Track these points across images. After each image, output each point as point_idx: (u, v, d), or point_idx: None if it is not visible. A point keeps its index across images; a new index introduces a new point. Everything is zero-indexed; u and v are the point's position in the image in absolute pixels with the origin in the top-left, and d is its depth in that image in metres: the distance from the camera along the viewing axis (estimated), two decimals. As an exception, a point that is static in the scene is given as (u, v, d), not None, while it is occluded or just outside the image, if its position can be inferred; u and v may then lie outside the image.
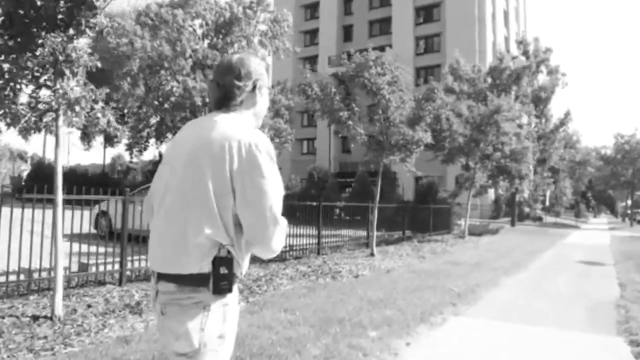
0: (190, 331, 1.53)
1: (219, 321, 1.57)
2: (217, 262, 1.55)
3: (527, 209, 39.07)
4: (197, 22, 32.91)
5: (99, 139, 37.81)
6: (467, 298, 6.86)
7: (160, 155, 38.53)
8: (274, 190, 1.58)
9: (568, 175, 53.14)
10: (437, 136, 17.66)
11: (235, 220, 1.58)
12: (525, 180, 27.31)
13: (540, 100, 29.10)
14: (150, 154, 37.64)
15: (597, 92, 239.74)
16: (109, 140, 37.54)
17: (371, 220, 12.18)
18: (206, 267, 1.55)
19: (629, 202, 56.84)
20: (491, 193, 39.43)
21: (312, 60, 49.53)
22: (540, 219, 39.43)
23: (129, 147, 37.63)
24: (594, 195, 78.92)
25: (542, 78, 30.29)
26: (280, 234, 1.61)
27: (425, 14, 44.40)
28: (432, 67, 41.30)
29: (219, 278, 1.55)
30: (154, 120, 34.44)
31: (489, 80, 25.63)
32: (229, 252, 1.57)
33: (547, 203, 39.82)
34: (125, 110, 31.26)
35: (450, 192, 19.41)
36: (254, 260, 6.01)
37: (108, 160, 45.05)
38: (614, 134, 41.55)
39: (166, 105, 29.31)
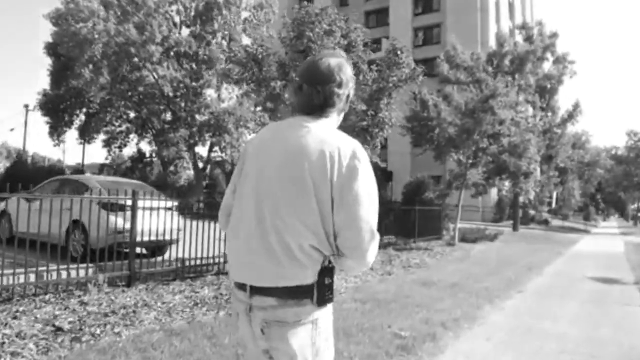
0: (304, 347, 1.50)
1: (326, 330, 1.56)
2: (322, 272, 1.51)
3: (532, 212, 36.31)
4: (175, 7, 30.64)
5: (73, 134, 35.65)
6: (416, 353, 4.35)
7: (140, 152, 36.21)
8: (372, 201, 1.54)
9: (577, 176, 50.34)
10: (424, 126, 15.17)
11: (333, 230, 1.52)
12: (529, 180, 24.71)
13: (545, 91, 26.36)
14: (130, 151, 34.98)
15: (609, 91, 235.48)
16: (84, 136, 35.25)
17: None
18: (311, 278, 1.50)
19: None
20: (494, 194, 36.77)
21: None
22: (546, 222, 36.65)
23: (107, 143, 35.29)
24: (603, 198, 75.92)
25: (547, 67, 27.59)
26: (374, 247, 1.55)
27: (424, 4, 41.83)
28: (431, 59, 38.60)
29: (323, 289, 1.51)
30: (133, 115, 32.27)
31: (489, 69, 22.98)
32: (330, 261, 1.54)
33: (554, 205, 37.09)
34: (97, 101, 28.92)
35: (438, 190, 16.78)
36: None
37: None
38: (627, 131, 38.58)
39: (135, 96, 27.13)
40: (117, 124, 33.90)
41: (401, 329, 4.99)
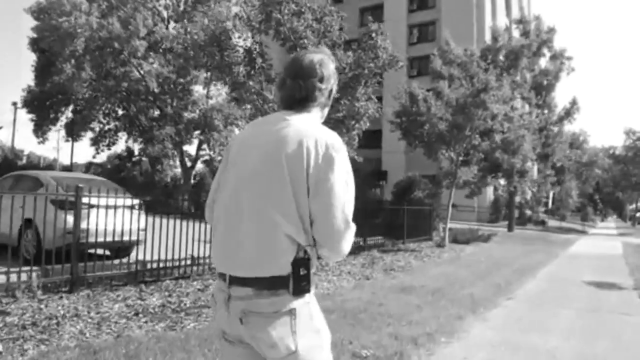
0: (284, 337, 1.50)
1: (308, 319, 1.54)
2: (296, 263, 1.52)
3: (528, 212, 35.60)
4: (163, 2, 29.88)
5: (61, 132, 34.88)
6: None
7: (129, 150, 35.43)
8: (347, 191, 1.56)
9: (574, 176, 49.72)
10: (414, 122, 14.46)
11: (310, 219, 1.54)
12: (525, 179, 24.05)
13: (542, 88, 25.58)
14: (119, 149, 34.18)
15: (608, 91, 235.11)
16: (71, 134, 34.50)
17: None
18: (286, 269, 1.51)
19: (640, 204, 53.51)
20: (490, 194, 36.09)
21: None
22: (543, 222, 35.94)
23: (95, 141, 34.48)
24: (601, 198, 75.38)
25: (544, 63, 26.84)
26: (350, 237, 1.58)
27: (420, 1, 41.14)
28: (426, 57, 37.88)
29: (298, 279, 1.51)
30: (121, 112, 31.49)
31: (483, 64, 22.22)
32: (305, 252, 1.55)
33: (551, 205, 36.42)
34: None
35: (427, 189, 16.04)
36: None
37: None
38: (625, 130, 37.83)
39: (120, 92, 26.33)
40: (105, 121, 33.19)
41: (364, 347, 4.27)
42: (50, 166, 48.41)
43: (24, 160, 57.91)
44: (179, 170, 31.24)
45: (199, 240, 7.80)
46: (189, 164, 28.77)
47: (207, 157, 28.36)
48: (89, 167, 33.61)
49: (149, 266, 7.39)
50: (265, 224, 1.51)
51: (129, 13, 24.18)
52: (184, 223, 7.67)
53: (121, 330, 4.64)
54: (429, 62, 27.64)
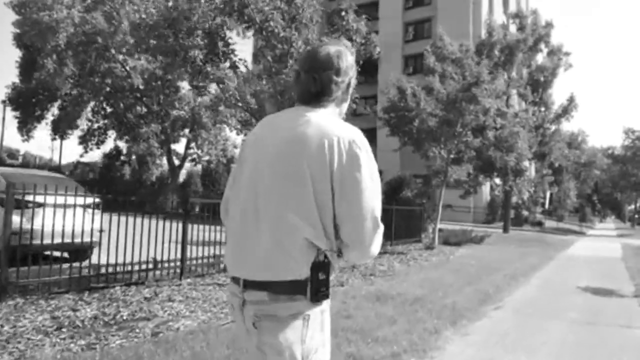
0: (293, 345, 1.43)
1: (319, 329, 1.48)
2: (315, 267, 1.45)
3: (525, 213, 34.88)
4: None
5: (45, 130, 34.14)
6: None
7: (117, 149, 34.65)
8: (375, 190, 1.49)
9: (572, 176, 49.05)
10: (402, 117, 13.75)
11: (333, 222, 1.48)
12: (522, 178, 23.32)
13: (538, 84, 24.85)
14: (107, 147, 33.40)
15: (607, 91, 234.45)
16: (57, 131, 33.73)
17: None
18: (304, 273, 1.45)
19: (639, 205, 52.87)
20: (486, 194, 35.39)
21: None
22: (540, 223, 35.22)
23: (83, 140, 33.70)
24: (600, 199, 74.73)
25: (541, 59, 26.11)
26: (379, 238, 1.52)
27: (416, -2, 40.46)
28: (422, 55, 37.20)
29: (317, 284, 1.45)
30: (110, 110, 30.71)
31: (477, 59, 21.50)
32: (325, 256, 1.48)
33: (547, 206, 35.70)
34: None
35: (417, 188, 15.30)
36: None
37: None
38: (624, 129, 37.06)
39: (104, 89, 25.55)
40: (94, 119, 32.45)
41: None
42: (45, 165, 47.68)
43: (20, 160, 57.13)
44: (164, 169, 30.47)
45: (169, 242, 7.21)
46: (177, 162, 28.04)
47: (194, 156, 27.62)
48: (76, 166, 32.81)
49: (103, 270, 6.76)
50: (283, 227, 1.45)
51: (115, 8, 23.38)
52: (160, 224, 7.12)
53: (29, 348, 3.92)
54: (424, 60, 26.93)
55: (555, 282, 9.23)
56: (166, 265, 7.54)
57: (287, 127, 1.53)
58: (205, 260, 8.20)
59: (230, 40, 6.89)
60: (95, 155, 48.70)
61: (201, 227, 7.85)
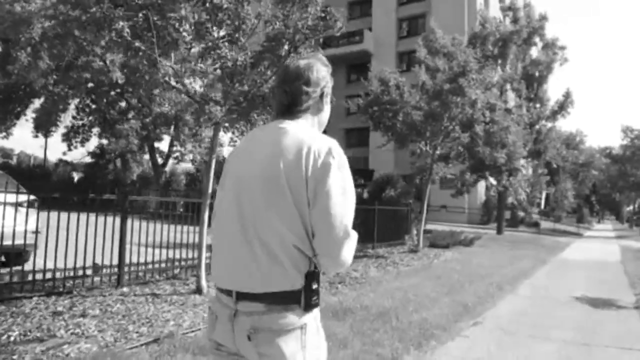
0: (295, 353, 1.45)
1: (315, 333, 1.52)
2: (309, 276, 1.48)
3: (521, 213, 33.94)
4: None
5: (26, 127, 33.15)
6: None
7: (101, 148, 33.64)
8: (347, 199, 1.49)
9: (570, 176, 48.19)
10: (385, 111, 12.81)
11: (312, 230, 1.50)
12: (517, 177, 22.38)
13: (533, 79, 23.94)
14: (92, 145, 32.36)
15: (605, 92, 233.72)
16: (40, 129, 32.70)
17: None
18: (299, 284, 1.47)
19: (638, 206, 52.08)
20: (481, 194, 34.46)
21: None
22: (536, 224, 34.28)
23: (67, 137, 32.68)
24: (598, 200, 73.96)
25: (536, 53, 25.22)
26: (350, 247, 1.51)
27: (410, -7, 39.48)
28: (416, 51, 36.34)
29: (310, 293, 1.48)
30: (94, 106, 29.70)
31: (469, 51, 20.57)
32: (315, 266, 1.51)
33: (543, 206, 34.79)
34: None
35: (400, 187, 14.33)
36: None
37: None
38: (623, 128, 36.08)
39: (87, 84, 24.53)
40: (78, 116, 31.50)
41: None
42: (40, 165, 46.75)
43: (14, 160, 55.99)
44: (146, 167, 29.47)
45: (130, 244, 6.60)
46: (160, 161, 27.04)
47: (177, 154, 26.58)
48: (57, 164, 31.80)
49: (35, 276, 5.97)
50: (274, 239, 1.46)
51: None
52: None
53: None
54: (415, 54, 25.93)
55: (547, 291, 8.28)
56: (106, 271, 6.72)
57: (267, 140, 1.57)
58: (155, 266, 7.30)
59: (166, 10, 5.97)
60: (77, 154, 47.53)
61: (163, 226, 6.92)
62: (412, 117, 12.36)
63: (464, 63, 11.75)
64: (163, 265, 7.37)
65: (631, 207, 68.17)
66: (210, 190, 6.55)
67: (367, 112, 13.37)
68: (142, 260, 7.16)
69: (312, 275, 1.47)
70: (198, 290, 6.24)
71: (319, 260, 1.50)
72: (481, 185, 32.98)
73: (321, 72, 1.65)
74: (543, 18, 23.94)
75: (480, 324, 5.67)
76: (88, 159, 33.89)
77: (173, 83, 6.16)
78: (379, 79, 13.02)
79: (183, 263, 7.58)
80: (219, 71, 6.29)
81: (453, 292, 7.38)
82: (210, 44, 6.06)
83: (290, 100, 1.61)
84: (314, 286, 1.47)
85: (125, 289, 6.43)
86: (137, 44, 5.78)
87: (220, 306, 1.56)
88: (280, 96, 1.64)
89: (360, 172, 35.82)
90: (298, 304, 1.45)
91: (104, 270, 6.64)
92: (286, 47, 5.90)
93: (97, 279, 6.61)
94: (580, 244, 21.96)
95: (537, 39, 23.98)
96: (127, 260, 6.85)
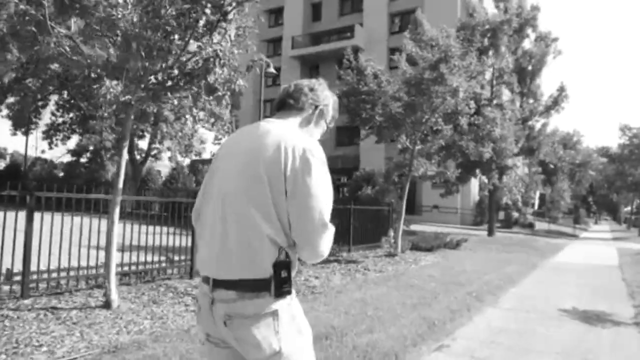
0: (267, 337, 1.50)
1: (290, 320, 1.55)
2: (277, 265, 1.53)
3: (515, 214, 32.90)
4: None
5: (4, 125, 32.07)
6: None
7: (81, 145, 32.56)
8: (324, 194, 1.56)
9: (567, 176, 47.19)
10: (361, 102, 11.75)
11: (289, 220, 1.56)
12: (509, 176, 21.38)
13: (526, 73, 22.91)
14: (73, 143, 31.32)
15: (603, 93, 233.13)
16: (19, 127, 31.64)
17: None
18: (268, 272, 1.52)
19: (636, 206, 51.16)
20: (474, 194, 33.45)
21: (277, 42, 43.93)
22: (531, 225, 33.25)
23: (47, 135, 31.57)
24: (595, 200, 73.04)
25: (528, 45, 24.17)
26: (327, 238, 1.59)
27: (401, -13, 38.47)
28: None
29: (280, 282, 1.52)
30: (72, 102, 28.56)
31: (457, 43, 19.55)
32: (287, 255, 1.56)
33: (537, 206, 33.76)
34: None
35: (378, 185, 13.24)
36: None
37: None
38: (620, 126, 35.01)
39: (54, 78, 23.43)
40: (58, 113, 30.45)
41: None
42: (33, 164, 45.69)
43: (8, 160, 54.68)
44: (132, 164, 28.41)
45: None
46: (138, 158, 25.92)
47: (155, 152, 25.44)
48: (34, 162, 30.67)
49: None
50: (248, 227, 1.51)
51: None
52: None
53: None
54: (403, 48, 24.87)
55: (534, 301, 7.21)
56: (17, 279, 5.72)
57: (252, 136, 1.64)
58: (80, 272, 6.25)
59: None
60: (57, 151, 46.20)
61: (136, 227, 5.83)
62: (391, 109, 11.32)
63: (445, 47, 10.70)
64: (82, 272, 6.32)
65: (629, 208, 67.31)
66: (120, 185, 5.50)
67: (342, 105, 12.32)
68: (64, 265, 6.14)
69: (281, 264, 1.51)
70: (106, 305, 5.16)
71: (298, 252, 1.58)
72: (474, 186, 31.96)
73: (327, 95, 1.81)
74: (535, 8, 22.92)
75: (447, 347, 4.61)
76: (68, 157, 32.84)
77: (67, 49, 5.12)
78: (354, 68, 11.97)
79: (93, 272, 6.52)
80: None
81: (423, 304, 6.31)
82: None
83: (288, 94, 1.75)
84: (283, 275, 1.51)
85: (27, 302, 5.38)
86: (22, 6, 4.73)
87: (201, 295, 1.64)
88: (281, 94, 1.78)
89: (350, 170, 34.82)
90: (268, 291, 1.50)
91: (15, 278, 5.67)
92: (208, 10, 4.84)
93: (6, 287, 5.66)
94: (575, 247, 20.92)
95: (529, 31, 22.96)
96: (42, 267, 5.88)
